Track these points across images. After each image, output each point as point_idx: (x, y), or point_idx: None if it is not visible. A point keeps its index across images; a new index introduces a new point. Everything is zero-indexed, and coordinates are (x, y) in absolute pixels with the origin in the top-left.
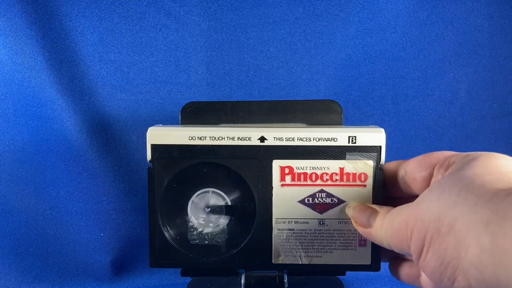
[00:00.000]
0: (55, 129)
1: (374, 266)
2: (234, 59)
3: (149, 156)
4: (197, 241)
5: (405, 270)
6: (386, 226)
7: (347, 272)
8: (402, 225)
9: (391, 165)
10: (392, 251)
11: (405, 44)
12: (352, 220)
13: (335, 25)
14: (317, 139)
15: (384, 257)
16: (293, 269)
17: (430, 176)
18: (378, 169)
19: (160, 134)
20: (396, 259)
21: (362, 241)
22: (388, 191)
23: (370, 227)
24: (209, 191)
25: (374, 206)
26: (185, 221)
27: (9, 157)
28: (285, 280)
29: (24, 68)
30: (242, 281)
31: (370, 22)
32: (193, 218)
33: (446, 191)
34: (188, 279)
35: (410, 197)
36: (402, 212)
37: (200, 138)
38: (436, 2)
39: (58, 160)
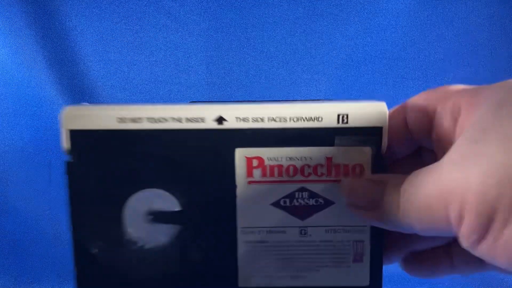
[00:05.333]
0: (55, 129)
1: (373, 287)
2: (234, 59)
3: (66, 146)
4: (137, 260)
5: (433, 261)
6: (405, 204)
7: None
8: (434, 199)
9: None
10: (408, 243)
11: (405, 44)
12: (348, 204)
13: (335, 25)
14: (295, 119)
15: (395, 254)
16: None
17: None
18: (379, 158)
19: (79, 116)
20: (415, 254)
21: (358, 256)
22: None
23: (377, 209)
24: (150, 191)
25: (378, 177)
26: (120, 233)
27: (8, 156)
28: None
29: (24, 68)
30: None
31: (370, 22)
32: (130, 228)
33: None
34: None
35: (413, 154)
36: (429, 179)
37: (134, 121)
38: (437, 2)
39: (58, 160)
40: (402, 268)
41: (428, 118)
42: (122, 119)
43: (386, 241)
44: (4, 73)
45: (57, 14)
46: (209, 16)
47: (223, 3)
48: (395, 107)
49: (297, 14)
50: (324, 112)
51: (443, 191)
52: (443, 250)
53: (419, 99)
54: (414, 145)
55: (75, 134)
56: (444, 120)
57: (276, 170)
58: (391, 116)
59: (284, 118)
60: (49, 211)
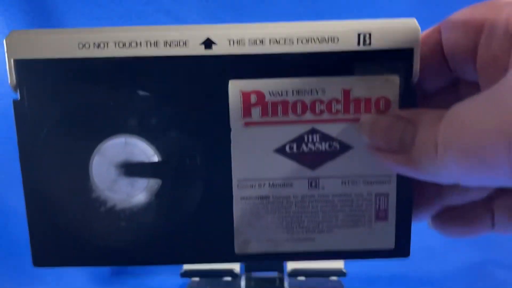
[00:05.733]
0: None
1: (399, 251)
2: None
3: (12, 80)
4: (106, 224)
5: (471, 218)
6: (445, 142)
7: (347, 272)
8: (489, 134)
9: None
10: (442, 196)
11: None
12: (370, 147)
13: None
14: (304, 41)
15: (425, 210)
16: (269, 258)
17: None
18: (409, 89)
19: (29, 42)
20: (449, 210)
21: (381, 212)
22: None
23: (408, 152)
24: (121, 138)
25: (409, 113)
26: (86, 190)
27: (7, 156)
28: (285, 282)
29: None
30: (242, 283)
31: None
32: (99, 184)
33: None
34: (188, 280)
35: (447, 88)
36: (480, 109)
37: (99, 46)
38: (437, 2)
39: None
40: (433, 226)
41: (472, 38)
42: (84, 45)
43: (415, 195)
44: (3, 72)
45: (56, 14)
46: (209, 16)
47: (223, 3)
48: (427, 30)
49: (298, 14)
50: (341, 31)
51: (504, 122)
52: (483, 205)
53: (459, 15)
54: (449, 76)
55: (22, 65)
56: (495, 38)
57: (279, 107)
58: (422, 39)
59: (290, 40)
60: None
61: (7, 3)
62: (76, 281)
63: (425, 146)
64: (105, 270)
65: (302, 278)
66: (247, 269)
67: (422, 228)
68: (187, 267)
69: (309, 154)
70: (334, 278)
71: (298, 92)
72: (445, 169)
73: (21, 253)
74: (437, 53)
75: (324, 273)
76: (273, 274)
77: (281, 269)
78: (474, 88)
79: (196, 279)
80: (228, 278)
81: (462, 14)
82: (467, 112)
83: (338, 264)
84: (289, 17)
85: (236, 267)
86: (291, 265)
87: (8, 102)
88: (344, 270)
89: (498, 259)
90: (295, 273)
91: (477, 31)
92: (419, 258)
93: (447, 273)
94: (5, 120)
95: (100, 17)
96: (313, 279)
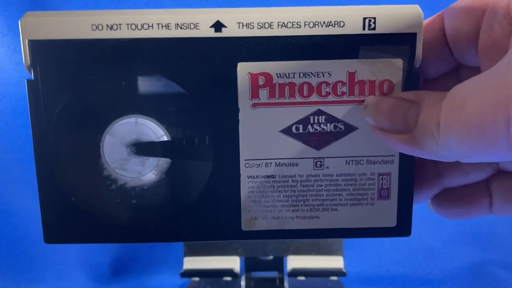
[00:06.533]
0: None
1: (401, 229)
2: None
3: (27, 60)
4: (119, 201)
5: (470, 199)
6: (447, 119)
7: (348, 271)
8: (489, 109)
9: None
10: (442, 177)
11: None
12: (374, 127)
13: None
14: (311, 25)
15: (426, 191)
16: (274, 236)
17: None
18: (411, 72)
19: (43, 23)
20: (449, 191)
21: (384, 191)
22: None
23: (411, 131)
24: (133, 118)
25: (412, 94)
26: (98, 169)
27: (7, 156)
28: (285, 282)
29: (22, 67)
30: (242, 283)
31: None
32: (110, 163)
33: None
34: (188, 280)
35: (449, 73)
36: (480, 86)
37: (112, 28)
38: (437, 2)
39: None
40: (433, 208)
41: (474, 23)
42: (98, 27)
43: (416, 176)
44: (2, 72)
45: None
46: None
47: (223, 3)
48: (430, 17)
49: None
50: (347, 16)
51: (503, 96)
52: (482, 186)
53: (461, 2)
54: (451, 61)
55: (37, 46)
56: (496, 22)
57: (286, 89)
58: (425, 26)
59: (298, 23)
60: None
61: (7, 3)
62: (76, 281)
63: (427, 125)
64: (105, 270)
65: (302, 278)
66: (247, 269)
67: (422, 228)
68: (187, 267)
69: (314, 135)
70: (334, 278)
71: (304, 74)
72: (447, 147)
73: (21, 253)
74: (440, 39)
75: (324, 273)
76: (273, 274)
77: (281, 269)
78: (475, 73)
79: (196, 279)
80: (228, 278)
81: (464, 0)
82: (468, 91)
83: (338, 264)
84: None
85: (236, 267)
86: (291, 265)
87: (7, 103)
88: (344, 270)
89: (498, 259)
90: (295, 273)
91: (478, 16)
92: (419, 258)
93: (447, 273)
94: (5, 120)
95: None
96: (313, 279)
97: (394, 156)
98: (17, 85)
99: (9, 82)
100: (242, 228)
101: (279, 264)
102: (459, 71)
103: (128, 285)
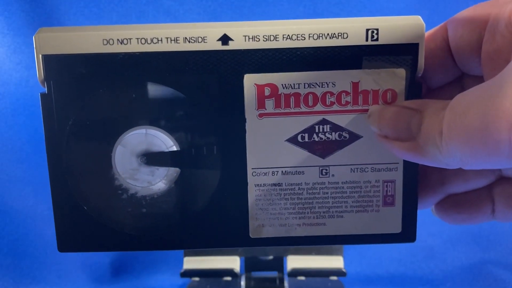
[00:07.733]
0: None
1: (406, 235)
2: None
3: (40, 74)
4: (130, 209)
5: (472, 205)
6: (450, 127)
7: (348, 271)
8: (492, 117)
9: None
10: (445, 184)
11: None
12: (378, 135)
13: None
14: (315, 37)
15: (430, 197)
16: (282, 243)
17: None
18: (414, 82)
19: (56, 38)
20: (452, 197)
21: (388, 198)
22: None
23: (415, 139)
24: (144, 129)
25: (414, 102)
26: (109, 179)
27: (7, 156)
28: (285, 282)
29: (22, 67)
30: (242, 283)
31: None
32: (121, 173)
33: None
34: (188, 280)
35: (453, 83)
36: (483, 95)
37: (122, 42)
38: (437, 2)
39: None
40: (437, 214)
41: (477, 33)
42: (108, 41)
43: (420, 183)
44: (2, 72)
45: (55, 13)
46: (208, 15)
47: (223, 3)
48: (434, 28)
49: (298, 13)
50: (350, 27)
51: (506, 104)
52: (484, 193)
53: (464, 13)
54: (455, 71)
55: (50, 60)
56: (498, 32)
57: (292, 100)
58: (429, 36)
59: (302, 36)
60: (49, 211)
61: (7, 3)
62: (76, 281)
63: (430, 134)
64: (105, 270)
65: (302, 278)
66: (247, 269)
67: (422, 228)
68: (187, 267)
69: (319, 143)
70: (334, 278)
71: (309, 85)
72: (449, 154)
73: (21, 253)
74: (444, 48)
75: (324, 273)
76: (273, 274)
77: (281, 269)
78: (479, 82)
79: (196, 279)
80: (228, 278)
81: (467, 11)
82: (470, 99)
83: (338, 264)
84: (288, 17)
85: (236, 267)
86: (291, 265)
87: (7, 104)
88: (344, 270)
89: (498, 259)
90: (295, 273)
91: (481, 26)
92: (419, 258)
93: (447, 273)
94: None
95: (100, 17)
96: (313, 279)
97: (398, 163)
98: (17, 85)
99: (9, 82)
100: (250, 235)
101: (279, 264)
102: (462, 81)
103: (128, 285)
